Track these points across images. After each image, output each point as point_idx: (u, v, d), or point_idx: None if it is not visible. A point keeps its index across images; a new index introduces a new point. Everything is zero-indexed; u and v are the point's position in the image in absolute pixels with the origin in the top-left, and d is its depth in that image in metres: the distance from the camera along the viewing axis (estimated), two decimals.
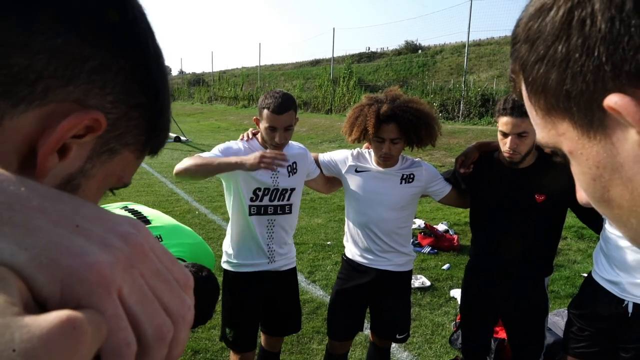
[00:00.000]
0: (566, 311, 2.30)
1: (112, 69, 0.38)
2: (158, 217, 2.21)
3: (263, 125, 2.21)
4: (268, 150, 2.13)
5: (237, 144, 2.30)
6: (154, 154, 0.48)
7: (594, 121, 0.35)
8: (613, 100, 0.32)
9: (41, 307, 0.27)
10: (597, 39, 0.32)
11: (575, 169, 0.40)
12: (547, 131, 0.40)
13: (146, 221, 2.08)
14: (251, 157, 2.03)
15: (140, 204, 2.47)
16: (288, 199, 2.37)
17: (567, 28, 0.34)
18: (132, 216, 2.06)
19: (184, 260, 2.01)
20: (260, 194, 2.30)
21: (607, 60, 0.32)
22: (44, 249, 0.27)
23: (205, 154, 2.27)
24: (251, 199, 2.30)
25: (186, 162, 2.15)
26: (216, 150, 2.27)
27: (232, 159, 2.10)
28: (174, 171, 2.22)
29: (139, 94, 0.41)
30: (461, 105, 15.44)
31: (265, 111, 2.16)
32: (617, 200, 0.37)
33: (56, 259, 0.27)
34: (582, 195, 0.42)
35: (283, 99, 2.17)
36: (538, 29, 0.36)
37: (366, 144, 2.50)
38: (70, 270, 0.27)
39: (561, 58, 0.34)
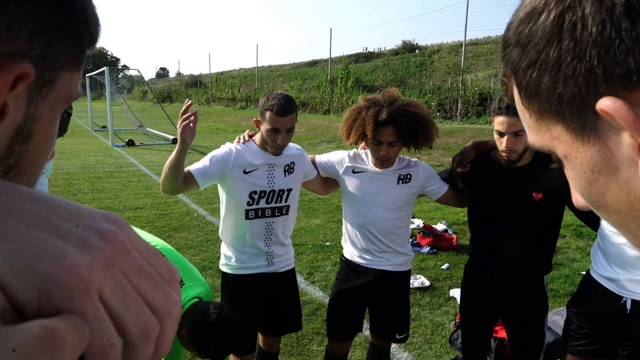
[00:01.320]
0: (566, 310, 2.30)
1: (10, 1, 0.33)
2: (171, 253, 2.18)
3: (265, 127, 2.19)
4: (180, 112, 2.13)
5: (230, 148, 2.28)
6: (93, 46, 0.43)
7: (587, 125, 0.35)
8: (605, 104, 0.32)
9: (19, 313, 0.26)
10: (588, 42, 0.32)
11: (570, 173, 0.39)
12: (540, 135, 0.40)
13: None
14: (180, 133, 2.11)
15: (148, 233, 2.46)
16: (285, 200, 2.36)
17: (558, 32, 0.34)
18: None
19: (201, 299, 2.04)
20: (256, 197, 2.28)
21: (598, 63, 0.32)
22: (17, 253, 0.26)
23: (192, 167, 2.26)
24: (248, 203, 2.28)
25: (163, 174, 2.22)
26: (205, 160, 2.26)
27: (176, 148, 2.15)
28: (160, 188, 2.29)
29: (53, 12, 0.36)
30: (459, 104, 15.45)
31: (269, 113, 2.16)
32: (614, 205, 0.37)
33: (31, 264, 0.26)
34: (578, 199, 0.41)
35: (286, 100, 2.18)
36: (529, 33, 0.36)
37: (362, 145, 2.49)
38: (47, 275, 0.26)
39: (553, 62, 0.34)
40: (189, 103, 2.12)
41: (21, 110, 0.36)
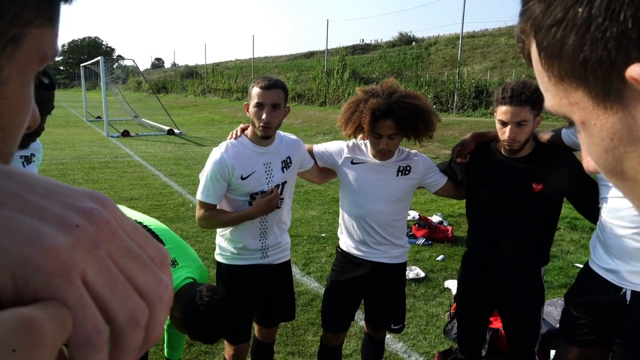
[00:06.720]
0: (559, 301, 2.30)
1: None
2: (166, 233, 2.15)
3: (251, 104, 2.18)
4: (264, 198, 2.22)
5: (223, 159, 2.21)
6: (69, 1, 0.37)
7: (612, 91, 0.33)
8: (637, 71, 0.30)
9: None
10: (623, 2, 0.29)
11: (585, 139, 0.38)
12: (558, 99, 0.37)
13: (160, 240, 2.05)
14: (260, 209, 2.21)
15: (140, 213, 2.43)
16: (280, 194, 2.34)
17: None
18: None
19: (194, 280, 2.02)
20: (257, 196, 2.27)
21: (633, 26, 0.29)
22: None
23: (204, 196, 2.23)
24: (249, 202, 2.27)
25: (205, 220, 2.28)
26: (208, 183, 2.22)
27: (243, 214, 2.25)
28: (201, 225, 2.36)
29: None
30: (455, 97, 15.44)
31: (254, 89, 2.17)
32: (630, 173, 0.35)
33: (5, 247, 0.24)
34: (588, 164, 0.40)
35: (273, 78, 2.22)
36: None
37: (362, 135, 2.47)
38: (23, 259, 0.24)
39: (581, 22, 0.32)
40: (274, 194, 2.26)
41: None
